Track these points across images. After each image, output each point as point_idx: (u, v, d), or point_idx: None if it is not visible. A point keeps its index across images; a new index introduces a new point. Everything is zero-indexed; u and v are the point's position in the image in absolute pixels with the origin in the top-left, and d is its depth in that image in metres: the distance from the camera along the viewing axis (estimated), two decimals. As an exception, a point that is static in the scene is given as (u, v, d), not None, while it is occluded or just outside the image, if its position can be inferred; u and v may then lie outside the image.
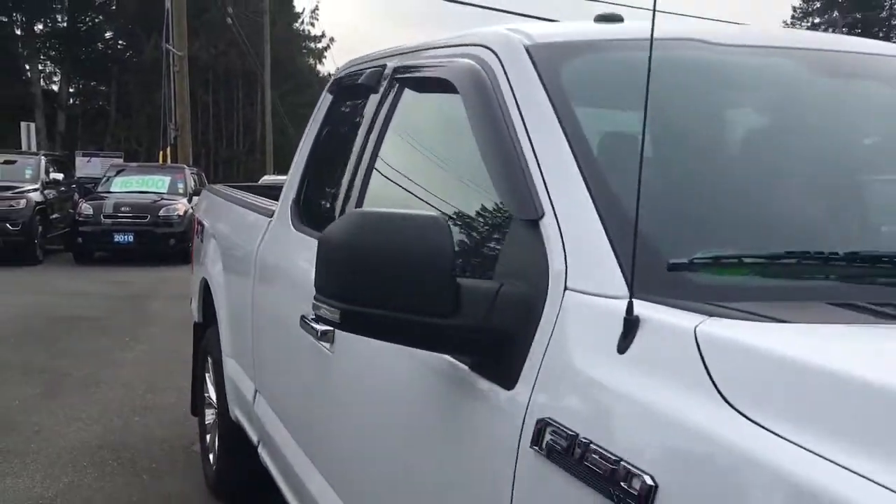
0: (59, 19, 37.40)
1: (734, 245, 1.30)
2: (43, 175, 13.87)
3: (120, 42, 39.40)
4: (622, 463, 1.02)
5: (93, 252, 13.53)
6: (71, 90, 39.19)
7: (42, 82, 37.49)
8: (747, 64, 1.75)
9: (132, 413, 5.09)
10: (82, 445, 4.48)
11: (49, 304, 9.16)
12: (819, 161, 1.61)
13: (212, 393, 3.81)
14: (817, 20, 53.42)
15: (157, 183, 14.47)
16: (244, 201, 3.54)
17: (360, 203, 2.11)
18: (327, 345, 2.03)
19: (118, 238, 13.20)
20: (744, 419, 0.93)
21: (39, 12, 36.15)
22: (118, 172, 15.21)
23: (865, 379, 0.89)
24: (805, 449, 0.85)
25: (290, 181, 2.81)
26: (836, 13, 50.40)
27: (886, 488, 0.77)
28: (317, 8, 46.69)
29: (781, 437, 0.88)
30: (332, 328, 1.95)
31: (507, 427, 1.26)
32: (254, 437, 2.99)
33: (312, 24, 47.05)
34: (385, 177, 2.10)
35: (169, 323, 7.81)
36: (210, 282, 3.71)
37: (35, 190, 13.30)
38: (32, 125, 20.71)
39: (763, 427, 0.91)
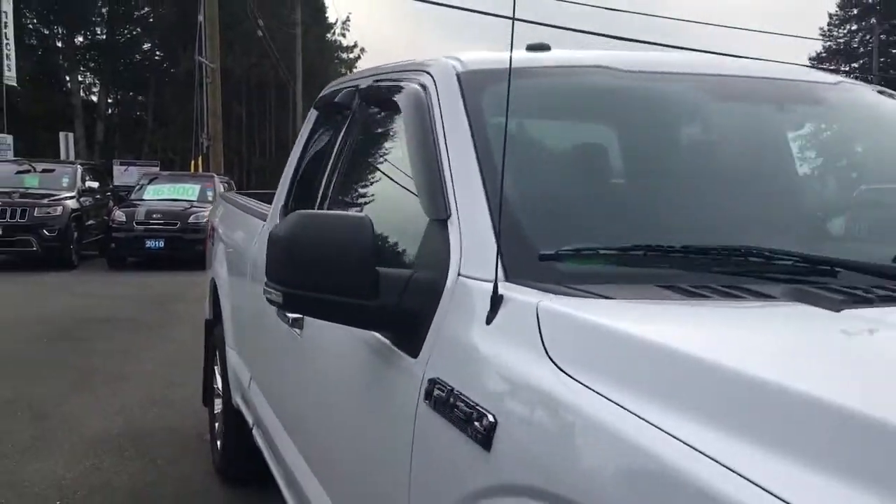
0: (99, 32, 38.41)
1: (594, 240, 1.57)
2: (79, 183, 14.44)
3: (157, 53, 40.31)
4: (476, 407, 1.31)
5: (125, 257, 14.05)
6: (109, 101, 40.21)
7: (82, 93, 38.52)
8: (639, 87, 2.03)
9: (152, 405, 5.45)
10: (105, 434, 4.84)
11: (82, 306, 9.62)
12: (679, 170, 1.88)
13: (219, 384, 4.14)
14: (854, 27, 52.87)
15: (187, 191, 14.96)
16: (248, 207, 3.87)
17: (327, 206, 2.42)
18: (298, 330, 2.34)
19: (149, 244, 13.69)
20: (560, 371, 1.21)
21: (79, 25, 37.20)
22: (151, 181, 15.75)
23: (655, 341, 1.16)
24: (600, 395, 1.13)
25: (280, 188, 3.13)
26: (873, 20, 49.84)
27: (653, 425, 1.03)
28: (348, 19, 47.26)
29: (585, 385, 1.16)
30: (301, 316, 2.26)
31: (410, 387, 1.54)
32: (250, 420, 3.30)
33: (343, 35, 47.73)
34: (346, 184, 2.41)
35: (192, 323, 8.15)
36: (217, 281, 4.05)
37: (71, 197, 13.87)
38: (71, 135, 21.44)
39: (572, 377, 1.19)
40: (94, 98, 39.65)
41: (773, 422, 0.93)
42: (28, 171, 14.88)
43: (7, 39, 19.32)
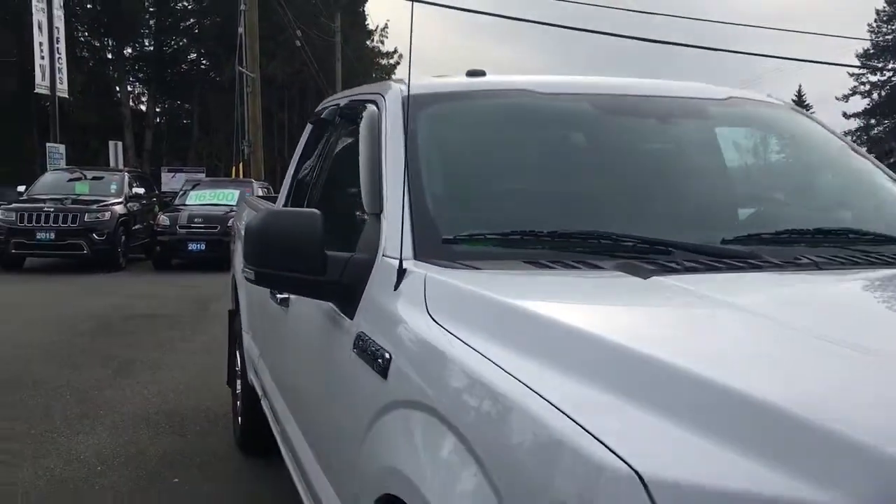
0: (147, 43, 39.83)
1: (484, 228, 2.03)
2: (126, 189, 15.26)
3: (203, 63, 41.60)
4: (380, 349, 1.78)
5: (170, 259, 14.79)
6: (157, 109, 41.62)
7: (131, 102, 39.96)
8: (547, 106, 2.48)
9: (186, 389, 6.02)
10: (142, 413, 5.41)
11: (127, 304, 10.32)
12: (564, 173, 2.33)
13: (239, 365, 4.67)
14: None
15: (227, 196, 15.65)
16: (260, 208, 4.40)
17: (306, 204, 2.91)
18: (285, 308, 2.84)
19: (192, 246, 14.41)
20: (433, 321, 1.67)
21: (128, 37, 38.60)
22: (193, 187, 16.51)
23: (495, 297, 1.62)
24: (457, 337, 1.58)
25: (282, 191, 3.64)
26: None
27: (489, 359, 1.45)
28: (386, 26, 47.96)
29: (448, 330, 1.62)
30: (287, 296, 2.76)
31: (346, 341, 2.02)
32: (259, 392, 3.81)
33: (382, 42, 48.48)
34: (322, 185, 2.90)
35: (226, 319, 8.78)
36: (236, 276, 4.58)
37: (119, 203, 14.67)
38: (119, 144, 22.39)
39: (440, 325, 1.65)
40: (143, 107, 41.07)
41: (570, 352, 1.37)
42: (79, 179, 15.74)
43: (59, 54, 20.34)
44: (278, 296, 2.85)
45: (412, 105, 2.40)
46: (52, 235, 13.72)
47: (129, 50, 39.72)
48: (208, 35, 38.42)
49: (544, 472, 1.15)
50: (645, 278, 1.71)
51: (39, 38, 20.06)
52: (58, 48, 20.15)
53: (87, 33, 38.93)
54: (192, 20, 40.16)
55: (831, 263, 1.89)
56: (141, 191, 16.37)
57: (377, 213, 2.15)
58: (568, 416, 1.17)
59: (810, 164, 2.68)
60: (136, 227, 15.30)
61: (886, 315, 1.68)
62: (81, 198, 14.79)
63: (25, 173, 21.96)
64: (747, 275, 1.81)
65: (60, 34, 20.55)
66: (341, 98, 3.18)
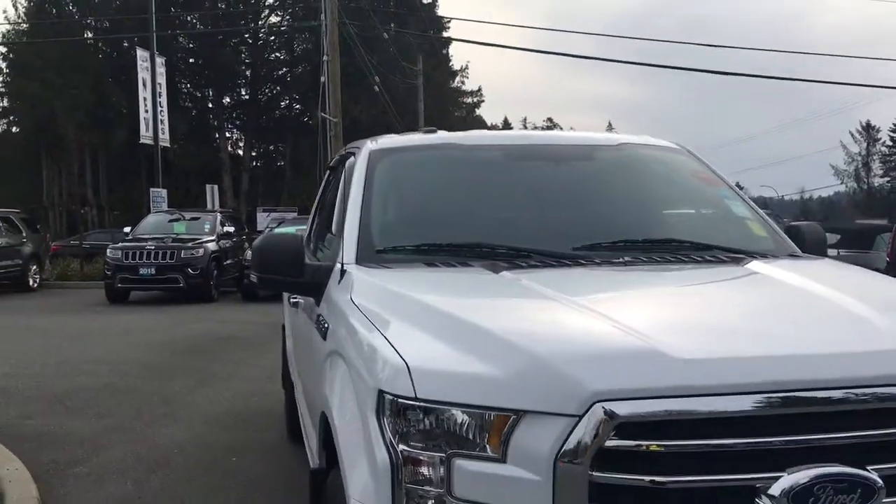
0: (243, 92, 42.43)
1: (405, 242, 2.91)
2: (218, 228, 16.77)
3: (295, 108, 43.93)
4: (325, 321, 2.68)
5: (257, 292, 16.10)
6: (253, 153, 44.15)
7: (229, 148, 42.57)
8: (475, 156, 3.36)
9: (253, 395, 7.06)
10: (214, 413, 6.45)
11: (214, 329, 11.58)
12: (473, 203, 3.17)
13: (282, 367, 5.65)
14: None
15: (308, 232, 16.95)
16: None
17: (313, 233, 3.85)
18: (296, 308, 3.78)
19: (276, 279, 15.69)
20: (352, 301, 2.54)
21: (227, 87, 41.32)
22: (279, 224, 17.89)
23: (386, 285, 2.50)
24: (361, 310, 2.44)
25: (308, 224, 4.61)
26: None
27: (376, 326, 2.31)
28: (466, 66, 49.52)
29: (357, 305, 2.48)
30: (298, 300, 3.70)
31: (314, 320, 2.93)
32: (293, 379, 4.75)
33: (463, 82, 49.95)
34: (325, 215, 3.84)
35: (297, 341, 9.91)
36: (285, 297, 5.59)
37: (211, 241, 16.16)
38: (216, 187, 24.20)
39: (355, 303, 2.52)
40: (240, 152, 43.65)
41: (412, 312, 2.24)
42: (178, 220, 17.38)
43: (161, 107, 22.38)
44: (291, 299, 3.80)
45: (374, 156, 3.33)
46: (153, 271, 15.27)
47: (227, 99, 42.46)
48: (299, 82, 40.65)
49: (372, 367, 2.03)
50: (496, 273, 2.55)
51: (144, 93, 22.16)
52: (160, 102, 22.17)
53: (189, 85, 41.89)
54: (284, 69, 42.60)
55: (634, 262, 2.69)
56: (231, 229, 17.88)
57: (340, 234, 3.06)
58: (391, 344, 2.05)
59: (673, 192, 3.45)
60: (228, 262, 16.73)
61: (626, 289, 2.51)
62: (179, 237, 16.34)
63: (135, 216, 24.00)
64: (566, 269, 2.63)
65: (162, 89, 22.60)
66: (345, 149, 4.13)
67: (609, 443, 1.74)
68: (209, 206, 22.71)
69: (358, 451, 2.04)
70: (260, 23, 41.38)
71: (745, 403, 1.77)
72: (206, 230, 16.67)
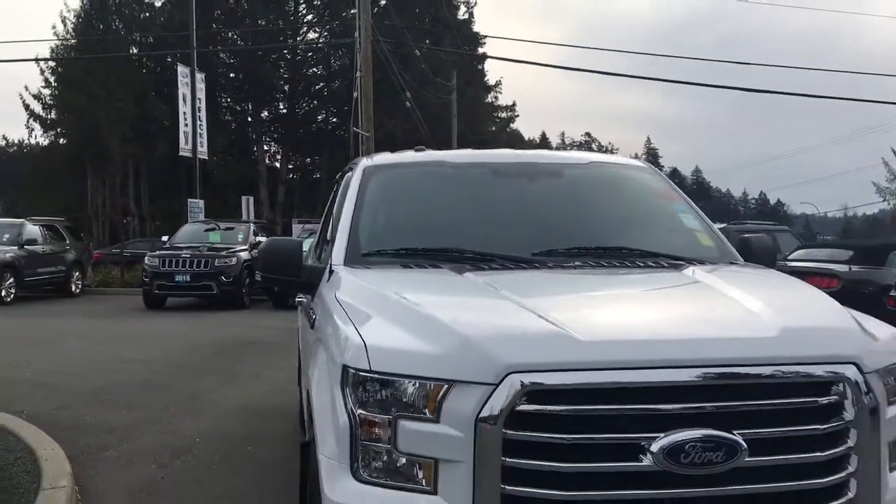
0: (281, 106, 43.39)
1: (386, 246, 3.35)
2: (251, 238, 17.40)
3: (332, 121, 44.75)
4: (314, 311, 3.12)
5: (287, 299, 16.67)
6: (290, 166, 45.07)
7: (267, 160, 43.50)
8: (459, 173, 3.79)
9: (273, 393, 7.53)
10: (236, 408, 6.94)
11: (243, 333, 12.12)
12: (453, 214, 3.59)
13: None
14: None
15: (338, 243, 17.53)
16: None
17: (319, 239, 4.31)
18: (301, 306, 4.23)
19: (305, 288, 16.29)
20: (334, 296, 2.98)
21: (265, 101, 42.30)
22: (309, 234, 18.48)
23: (363, 282, 2.95)
24: (339, 303, 2.88)
25: (317, 233, 5.07)
26: None
27: (350, 318, 2.74)
28: (499, 83, 50.01)
29: (338, 300, 2.92)
30: (302, 299, 4.16)
31: (306, 312, 3.38)
32: (302, 378, 5.21)
33: (496, 98, 50.38)
34: (330, 224, 4.29)
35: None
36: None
37: (244, 250, 16.77)
38: (251, 199, 24.92)
39: (337, 298, 2.95)
40: (277, 164, 44.57)
41: (381, 304, 2.67)
42: (214, 229, 18.06)
43: (200, 121, 23.20)
44: (297, 299, 4.26)
45: (368, 171, 3.78)
46: (188, 278, 15.92)
47: (266, 113, 43.44)
48: (335, 97, 41.42)
49: (340, 347, 2.47)
50: (461, 274, 2.97)
51: (184, 107, 23.00)
52: (199, 116, 22.99)
53: (229, 100, 42.96)
54: (321, 84, 43.49)
55: (583, 266, 3.10)
56: (263, 239, 18.49)
57: (333, 240, 3.51)
58: (356, 329, 2.49)
59: (632, 205, 3.84)
60: (260, 271, 17.32)
61: (563, 287, 2.92)
62: (214, 246, 16.99)
63: (175, 226, 24.82)
64: (521, 271, 3.04)
65: (202, 104, 23.42)
66: (348, 165, 4.59)
67: (520, 407, 2.14)
68: (244, 216, 23.41)
69: (327, 418, 2.48)
70: (298, 38, 42.33)
71: (631, 377, 2.17)
72: (240, 240, 17.30)
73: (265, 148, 43.79)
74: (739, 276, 3.17)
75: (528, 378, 2.15)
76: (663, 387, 2.18)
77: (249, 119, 43.36)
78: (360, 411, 2.32)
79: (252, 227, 18.16)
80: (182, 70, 23.45)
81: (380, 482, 2.29)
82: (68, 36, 38.97)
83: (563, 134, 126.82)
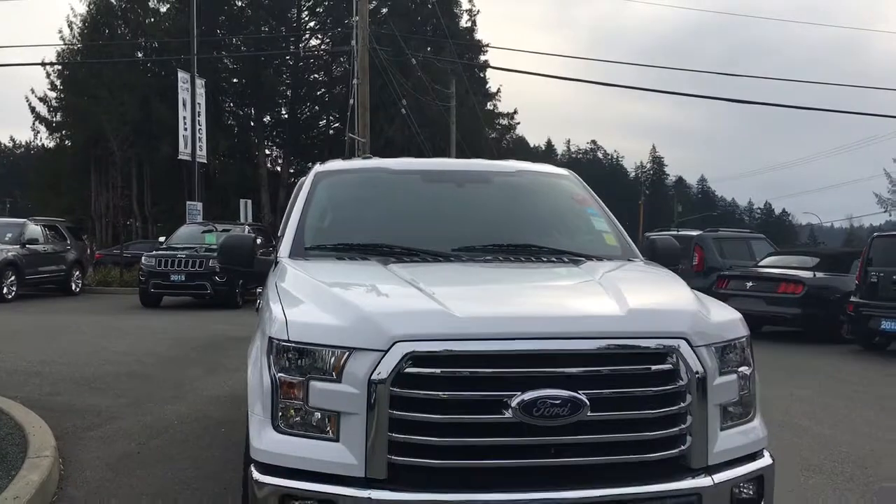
0: (283, 111, 44.01)
1: (326, 241, 3.84)
2: (246, 240, 17.90)
3: (333, 125, 45.36)
4: (259, 300, 3.63)
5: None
6: (291, 170, 45.62)
7: (268, 164, 44.11)
8: (396, 178, 4.30)
9: (251, 384, 8.02)
10: (215, 396, 7.43)
11: (233, 330, 12.62)
12: (388, 214, 4.08)
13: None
14: None
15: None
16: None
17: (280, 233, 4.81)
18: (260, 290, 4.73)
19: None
20: (275, 282, 3.47)
21: (267, 106, 42.91)
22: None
23: (296, 270, 3.45)
24: (277, 288, 3.37)
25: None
26: None
27: (281, 302, 3.25)
28: (499, 91, 50.62)
29: (277, 285, 3.40)
30: (260, 288, 4.66)
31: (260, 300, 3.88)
32: None
33: (494, 106, 50.87)
34: (283, 225, 4.79)
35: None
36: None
37: (239, 251, 17.27)
38: (249, 202, 25.47)
39: (276, 285, 3.44)
40: (278, 168, 45.17)
41: (303, 287, 3.18)
42: (210, 231, 18.56)
43: (200, 126, 23.78)
44: (257, 290, 4.75)
45: (318, 176, 4.29)
46: (183, 277, 16.44)
47: (268, 117, 44.09)
48: (336, 102, 42.07)
49: (269, 323, 2.97)
50: (385, 265, 3.46)
51: (183, 112, 23.58)
52: (199, 121, 23.56)
53: (232, 104, 43.61)
54: (322, 90, 44.14)
55: (492, 260, 3.59)
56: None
57: (283, 235, 4.01)
58: (283, 308, 2.99)
59: (549, 208, 4.34)
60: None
61: (463, 276, 3.42)
62: (210, 247, 17.47)
63: (176, 228, 25.35)
64: (437, 264, 3.53)
65: (201, 109, 23.99)
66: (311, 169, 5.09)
67: (406, 370, 2.63)
68: (241, 219, 23.94)
69: (257, 383, 2.98)
70: (301, 45, 42.95)
71: (495, 346, 2.66)
72: (235, 241, 17.81)
73: (267, 152, 44.45)
74: (624, 270, 3.66)
75: (411, 347, 2.64)
76: (521, 354, 2.67)
77: (252, 123, 43.97)
78: (280, 374, 2.81)
79: (248, 228, 18.67)
80: (182, 76, 24.03)
81: (294, 433, 2.78)
82: (75, 40, 39.64)
83: (568, 141, 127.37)
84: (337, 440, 2.72)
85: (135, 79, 37.44)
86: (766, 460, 3.02)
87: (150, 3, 39.96)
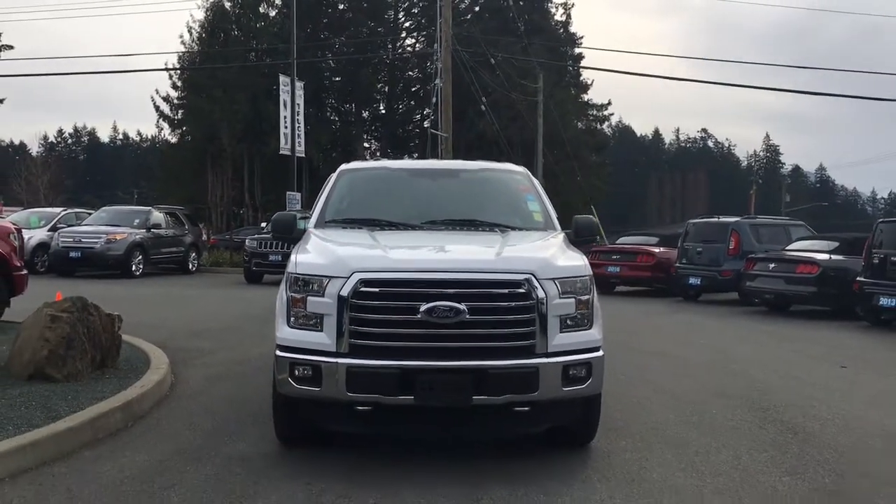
0: (380, 107, 46.50)
1: (342, 217, 5.77)
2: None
3: (428, 120, 47.54)
4: (290, 258, 5.58)
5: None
6: (388, 162, 48.06)
7: (367, 156, 46.68)
8: (392, 174, 6.21)
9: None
10: (256, 357, 9.52)
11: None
12: (387, 199, 5.97)
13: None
14: None
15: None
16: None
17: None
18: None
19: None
20: (301, 245, 5.41)
21: (366, 102, 45.51)
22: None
23: (315, 236, 5.39)
24: (298, 247, 5.30)
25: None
26: None
27: (298, 252, 5.18)
28: (592, 83, 51.41)
29: (300, 245, 5.35)
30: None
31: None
32: None
33: (582, 97, 51.47)
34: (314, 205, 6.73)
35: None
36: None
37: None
38: (298, 194, 27.16)
39: (301, 246, 5.38)
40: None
41: (317, 245, 5.11)
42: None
43: (299, 124, 26.31)
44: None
45: (342, 172, 6.24)
46: (280, 257, 18.82)
47: (366, 113, 46.68)
48: (430, 98, 44.08)
49: (289, 264, 4.93)
50: (371, 232, 5.35)
51: (284, 112, 26.19)
52: (298, 119, 26.09)
53: (334, 100, 46.44)
54: (417, 86, 46.35)
55: (442, 229, 5.43)
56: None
57: (313, 213, 5.96)
58: (297, 255, 4.97)
59: (497, 195, 6.10)
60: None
61: (414, 237, 5.29)
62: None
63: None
64: (405, 231, 5.40)
65: (300, 108, 26.50)
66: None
67: (360, 289, 4.50)
68: (288, 209, 26.28)
69: (280, 300, 4.93)
70: (397, 45, 45.31)
71: (412, 276, 4.50)
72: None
73: (366, 145, 47.04)
74: (529, 236, 5.41)
75: (362, 275, 4.52)
76: (427, 280, 4.49)
77: (352, 119, 46.68)
78: (291, 294, 4.75)
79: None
80: (283, 79, 26.62)
81: (297, 327, 4.71)
82: (194, 44, 43.24)
83: (677, 130, 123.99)
84: (322, 331, 4.63)
85: (246, 79, 40.61)
86: (596, 354, 4.72)
87: (259, 9, 43.03)
